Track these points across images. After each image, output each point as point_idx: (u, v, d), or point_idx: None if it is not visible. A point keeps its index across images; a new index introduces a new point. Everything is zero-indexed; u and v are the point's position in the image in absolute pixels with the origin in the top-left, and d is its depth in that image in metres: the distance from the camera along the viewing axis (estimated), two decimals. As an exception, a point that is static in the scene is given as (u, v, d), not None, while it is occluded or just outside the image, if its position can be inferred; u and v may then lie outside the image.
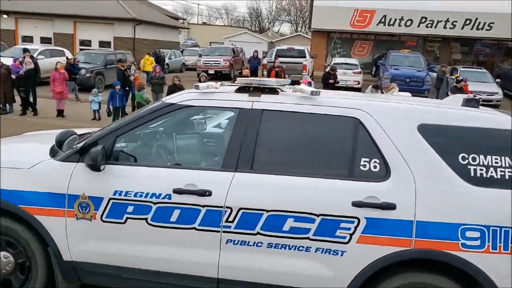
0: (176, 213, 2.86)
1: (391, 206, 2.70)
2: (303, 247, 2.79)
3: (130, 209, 2.90)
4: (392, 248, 2.69)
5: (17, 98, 12.24)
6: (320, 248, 2.77)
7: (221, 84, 3.30)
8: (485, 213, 2.65)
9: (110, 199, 2.92)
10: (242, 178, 2.86)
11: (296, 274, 2.81)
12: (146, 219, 2.89)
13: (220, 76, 21.73)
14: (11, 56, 15.33)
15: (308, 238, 2.78)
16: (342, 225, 2.74)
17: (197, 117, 3.94)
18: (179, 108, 3.10)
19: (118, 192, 2.91)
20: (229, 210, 2.82)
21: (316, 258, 2.78)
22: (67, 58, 14.91)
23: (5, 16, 27.08)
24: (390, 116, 2.87)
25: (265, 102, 3.00)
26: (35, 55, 15.19)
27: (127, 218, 2.92)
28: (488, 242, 2.61)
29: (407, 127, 2.82)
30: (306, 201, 2.78)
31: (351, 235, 2.74)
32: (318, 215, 2.75)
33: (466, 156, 2.72)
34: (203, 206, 2.83)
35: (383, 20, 25.42)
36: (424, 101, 3.46)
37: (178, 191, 2.85)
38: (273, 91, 3.09)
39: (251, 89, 3.10)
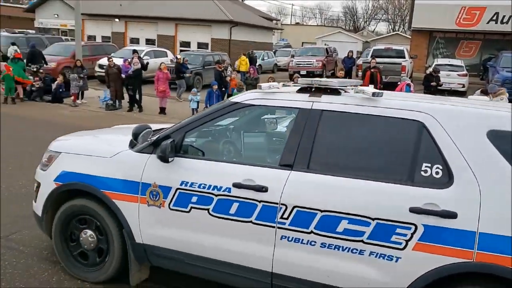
0: (234, 206, 3.04)
1: (451, 215, 2.58)
2: (357, 249, 2.79)
3: (194, 199, 3.15)
4: (451, 259, 2.58)
5: (125, 96, 13.51)
6: (374, 252, 2.75)
7: (284, 84, 3.41)
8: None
9: (177, 189, 3.19)
10: (298, 176, 2.94)
11: (348, 276, 2.82)
12: (208, 209, 3.11)
13: (312, 76, 21.76)
14: (121, 56, 17.01)
15: (362, 241, 2.77)
16: (398, 230, 2.69)
17: (269, 116, 4.09)
18: (242, 107, 3.28)
19: (184, 182, 3.17)
20: (284, 207, 2.92)
21: (369, 262, 2.77)
22: (176, 58, 16.00)
23: (116, 20, 30.00)
24: (456, 120, 2.74)
25: (325, 102, 3.04)
26: (141, 56, 16.63)
27: (191, 207, 3.16)
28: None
29: (475, 133, 2.67)
30: (361, 204, 2.77)
31: (407, 241, 2.68)
32: (373, 219, 2.74)
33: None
34: (260, 201, 2.97)
35: (494, 17, 23.44)
36: (502, 106, 3.22)
37: (237, 185, 3.02)
38: (335, 91, 3.12)
39: (313, 89, 3.17)
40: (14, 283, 3.46)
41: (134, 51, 14.84)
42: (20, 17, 47.97)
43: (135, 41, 29.94)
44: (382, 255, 2.74)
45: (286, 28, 53.01)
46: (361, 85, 3.30)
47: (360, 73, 17.99)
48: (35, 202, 3.82)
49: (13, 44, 18.53)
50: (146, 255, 3.40)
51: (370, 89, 3.04)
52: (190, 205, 3.16)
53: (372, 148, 2.93)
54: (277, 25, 47.28)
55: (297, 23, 65.84)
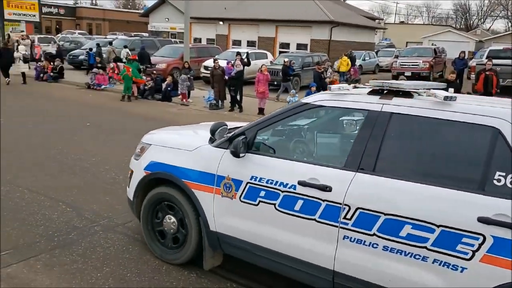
0: (299, 203, 3.17)
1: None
2: (420, 255, 2.75)
3: (262, 193, 3.34)
4: (521, 275, 2.43)
5: (227, 96, 14.15)
6: (438, 260, 2.69)
7: (354, 86, 3.44)
8: None
9: (247, 182, 3.41)
10: (363, 178, 2.97)
11: (409, 281, 2.79)
12: (274, 204, 3.28)
13: (418, 78, 20.74)
14: (225, 58, 17.92)
15: (425, 247, 2.72)
16: (465, 240, 2.60)
17: (348, 118, 4.13)
18: (312, 108, 3.39)
19: (254, 177, 3.38)
20: (347, 208, 2.97)
21: (432, 269, 2.71)
22: (284, 61, 16.46)
23: (220, 23, 31.55)
24: (537, 127, 2.56)
25: (395, 105, 3.03)
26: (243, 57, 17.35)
27: (259, 201, 3.36)
28: None
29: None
30: (426, 210, 2.72)
31: (474, 252, 2.58)
32: (438, 226, 2.67)
33: None
34: (323, 200, 3.06)
35: None
36: None
37: (302, 183, 3.14)
38: (407, 94, 3.09)
39: (384, 91, 3.16)
40: (130, 267, 3.97)
41: (237, 53, 15.55)
42: (137, 22, 52.89)
43: (237, 43, 31.23)
44: (446, 264, 2.66)
45: (389, 27, 51.07)
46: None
47: (473, 76, 16.74)
48: (128, 187, 4.34)
49: (125, 47, 20.58)
50: (218, 243, 3.68)
51: (443, 92, 2.94)
52: (259, 199, 3.36)
53: (442, 153, 2.85)
54: (380, 24, 45.73)
55: (402, 22, 62.91)
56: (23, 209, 5.10)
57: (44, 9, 43.06)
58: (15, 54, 17.57)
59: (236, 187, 3.47)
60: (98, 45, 21.45)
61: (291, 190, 3.20)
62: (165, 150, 4.01)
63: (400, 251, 2.81)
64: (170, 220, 3.98)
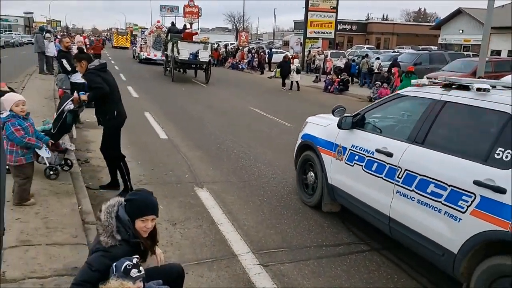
0: (375, 165, 4.51)
1: (501, 191, 3.24)
2: (437, 208, 3.75)
3: (356, 157, 4.80)
4: (494, 226, 3.24)
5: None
6: (447, 212, 3.65)
7: (432, 82, 4.43)
8: None
9: (349, 149, 4.93)
10: (413, 149, 4.11)
11: (427, 227, 3.82)
12: (361, 165, 4.71)
13: None
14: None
15: (440, 202, 3.72)
16: (464, 197, 3.52)
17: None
18: (400, 97, 4.63)
19: (353, 145, 4.87)
20: (400, 169, 4.18)
21: (442, 219, 3.68)
22: None
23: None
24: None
25: (449, 95, 4.02)
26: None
27: (354, 163, 4.83)
28: None
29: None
30: (444, 173, 3.72)
31: (467, 207, 3.48)
32: (449, 185, 3.65)
33: None
34: (387, 163, 4.33)
35: None
36: None
37: (377, 150, 4.48)
38: (465, 88, 4.01)
39: (453, 86, 4.14)
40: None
41: None
42: (426, 34, 53.44)
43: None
44: (451, 215, 3.62)
45: None
46: None
47: None
48: (294, 152, 6.36)
49: (377, 59, 22.19)
50: (333, 193, 5.30)
51: (480, 85, 3.77)
52: (354, 161, 4.84)
53: (466, 132, 3.74)
54: None
55: None
56: (300, 211, 5.73)
57: (339, 26, 47.38)
58: (292, 66, 21.90)
59: (344, 152, 5.03)
60: (377, 59, 23.77)
61: (371, 155, 4.57)
62: (313, 125, 5.87)
63: (426, 203, 3.88)
64: (310, 175, 5.81)
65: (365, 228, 5.14)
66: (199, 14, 49.88)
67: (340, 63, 25.58)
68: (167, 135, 9.87)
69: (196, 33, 25.42)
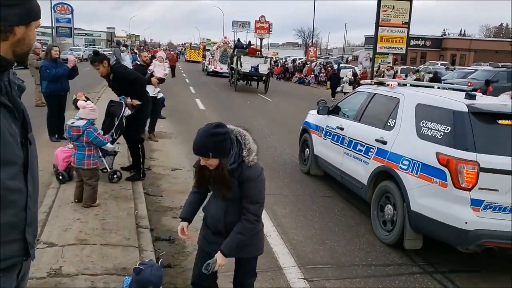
0: (336, 137, 7.08)
1: (384, 142, 5.74)
2: (359, 158, 6.26)
3: (328, 133, 7.38)
4: (380, 164, 5.73)
5: None
6: (363, 160, 6.15)
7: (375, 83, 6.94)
8: None
9: (325, 128, 7.53)
10: (354, 124, 6.66)
11: (355, 171, 6.33)
12: (330, 138, 7.29)
13: None
14: None
15: (362, 154, 6.24)
16: (371, 150, 6.02)
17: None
18: (357, 92, 7.22)
19: (328, 126, 7.46)
20: (346, 137, 6.73)
21: (362, 165, 6.18)
22: None
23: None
24: (414, 99, 5.76)
25: (378, 90, 6.56)
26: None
27: (326, 137, 7.42)
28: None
29: (411, 107, 5.66)
30: (363, 135, 6.24)
31: (372, 154, 5.97)
32: (365, 143, 6.17)
33: None
34: (341, 135, 6.90)
35: None
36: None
37: (338, 127, 7.05)
38: (382, 84, 6.51)
39: (380, 83, 6.66)
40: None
41: None
42: (507, 51, 51.85)
43: None
44: (365, 162, 6.13)
45: None
46: None
47: None
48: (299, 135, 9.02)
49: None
50: (316, 160, 7.87)
51: (394, 82, 6.27)
52: (326, 136, 7.44)
53: (379, 112, 6.26)
54: None
55: None
56: (353, 228, 5.88)
57: (412, 42, 47.06)
58: (344, 78, 24.22)
59: (322, 131, 7.65)
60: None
61: (334, 131, 7.16)
62: (310, 115, 8.52)
63: (355, 157, 6.38)
64: (307, 151, 8.42)
65: (420, 250, 5.12)
66: (270, 29, 53.36)
67: (410, 79, 26.15)
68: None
69: (260, 50, 28.57)
